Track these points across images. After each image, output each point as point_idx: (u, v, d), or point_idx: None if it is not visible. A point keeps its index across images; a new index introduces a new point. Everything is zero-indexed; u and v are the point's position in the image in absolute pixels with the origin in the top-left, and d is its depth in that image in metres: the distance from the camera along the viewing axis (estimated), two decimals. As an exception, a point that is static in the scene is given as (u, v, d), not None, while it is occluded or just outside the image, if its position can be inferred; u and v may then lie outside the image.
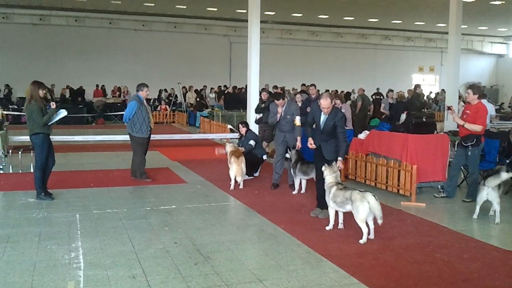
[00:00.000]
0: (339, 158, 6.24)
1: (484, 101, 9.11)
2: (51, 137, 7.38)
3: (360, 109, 15.69)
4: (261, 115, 11.50)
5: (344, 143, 6.40)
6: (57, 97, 21.57)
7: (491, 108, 11.51)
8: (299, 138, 7.92)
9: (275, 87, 19.11)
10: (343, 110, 8.81)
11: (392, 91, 16.92)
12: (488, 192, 6.38)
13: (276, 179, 8.39)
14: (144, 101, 8.84)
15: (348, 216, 5.87)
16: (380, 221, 5.43)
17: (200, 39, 27.80)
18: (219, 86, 25.42)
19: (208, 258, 4.90)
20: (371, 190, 6.21)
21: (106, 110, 21.93)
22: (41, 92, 7.14)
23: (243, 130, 9.59)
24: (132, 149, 8.86)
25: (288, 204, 7.31)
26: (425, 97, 24.31)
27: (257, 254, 5.14)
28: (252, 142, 9.26)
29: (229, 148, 8.55)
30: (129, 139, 8.92)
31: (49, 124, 7.18)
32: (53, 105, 7.42)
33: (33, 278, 4.34)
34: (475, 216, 6.62)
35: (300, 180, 7.96)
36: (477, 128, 7.34)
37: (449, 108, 8.42)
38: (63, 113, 7.35)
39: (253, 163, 8.97)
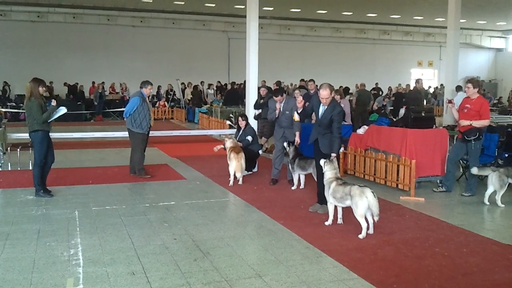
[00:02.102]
0: (333, 154, 6.21)
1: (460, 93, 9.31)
2: (50, 134, 7.37)
3: (358, 105, 15.63)
4: (260, 111, 11.48)
5: (338, 138, 6.29)
6: (56, 94, 21.56)
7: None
8: (297, 134, 7.91)
9: (278, 82, 18.96)
10: (342, 105, 8.80)
11: (389, 98, 16.90)
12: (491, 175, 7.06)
13: (275, 174, 8.40)
14: (146, 98, 8.88)
15: (347, 211, 5.87)
16: (376, 218, 5.44)
17: (198, 35, 27.73)
18: (219, 81, 25.35)
19: (208, 254, 4.90)
20: (370, 185, 6.20)
21: (104, 106, 21.89)
22: (41, 89, 7.14)
23: (242, 123, 9.53)
24: (131, 145, 8.87)
25: (287, 199, 7.31)
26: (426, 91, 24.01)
27: (256, 250, 5.14)
28: (249, 138, 9.24)
29: (228, 143, 8.52)
30: (127, 135, 8.95)
31: (49, 121, 7.18)
32: (53, 102, 7.44)
33: (32, 275, 4.34)
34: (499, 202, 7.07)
35: (298, 176, 7.97)
36: (485, 123, 7.52)
37: (449, 101, 8.41)
38: (63, 110, 7.36)
39: (250, 158, 8.96)
